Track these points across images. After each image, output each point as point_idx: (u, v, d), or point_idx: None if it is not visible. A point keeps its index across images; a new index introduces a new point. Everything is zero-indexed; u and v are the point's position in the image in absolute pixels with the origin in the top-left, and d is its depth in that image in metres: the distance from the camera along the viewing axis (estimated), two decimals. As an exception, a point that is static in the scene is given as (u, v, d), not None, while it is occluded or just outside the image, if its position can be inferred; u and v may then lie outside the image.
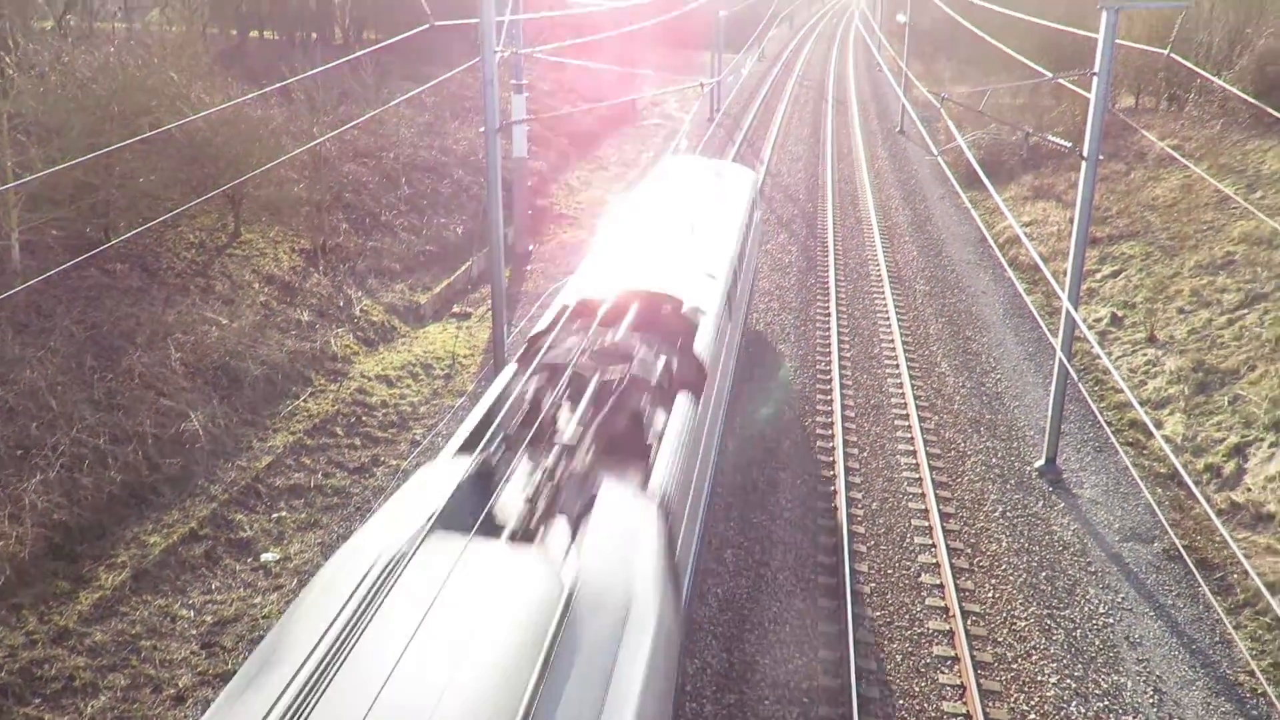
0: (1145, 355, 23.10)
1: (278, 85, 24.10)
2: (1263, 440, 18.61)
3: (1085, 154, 17.53)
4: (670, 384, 12.07)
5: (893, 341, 24.83)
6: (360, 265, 26.87)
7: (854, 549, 16.57)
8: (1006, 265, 30.08)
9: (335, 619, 6.90)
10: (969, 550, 16.85)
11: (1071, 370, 18.04)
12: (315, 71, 24.36)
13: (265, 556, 16.04)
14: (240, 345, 20.96)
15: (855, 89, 67.68)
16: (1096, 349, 14.34)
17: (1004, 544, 17.05)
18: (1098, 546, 17.07)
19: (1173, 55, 19.33)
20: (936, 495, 18.10)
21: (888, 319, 26.26)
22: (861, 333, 25.51)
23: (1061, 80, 22.15)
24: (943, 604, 15.44)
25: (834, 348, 24.09)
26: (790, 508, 17.78)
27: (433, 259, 29.32)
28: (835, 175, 41.70)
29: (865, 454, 19.67)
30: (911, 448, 19.86)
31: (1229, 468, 18.46)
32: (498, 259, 19.58)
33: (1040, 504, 18.23)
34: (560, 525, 8.67)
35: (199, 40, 33.07)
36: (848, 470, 18.86)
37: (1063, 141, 20.01)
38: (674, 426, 11.00)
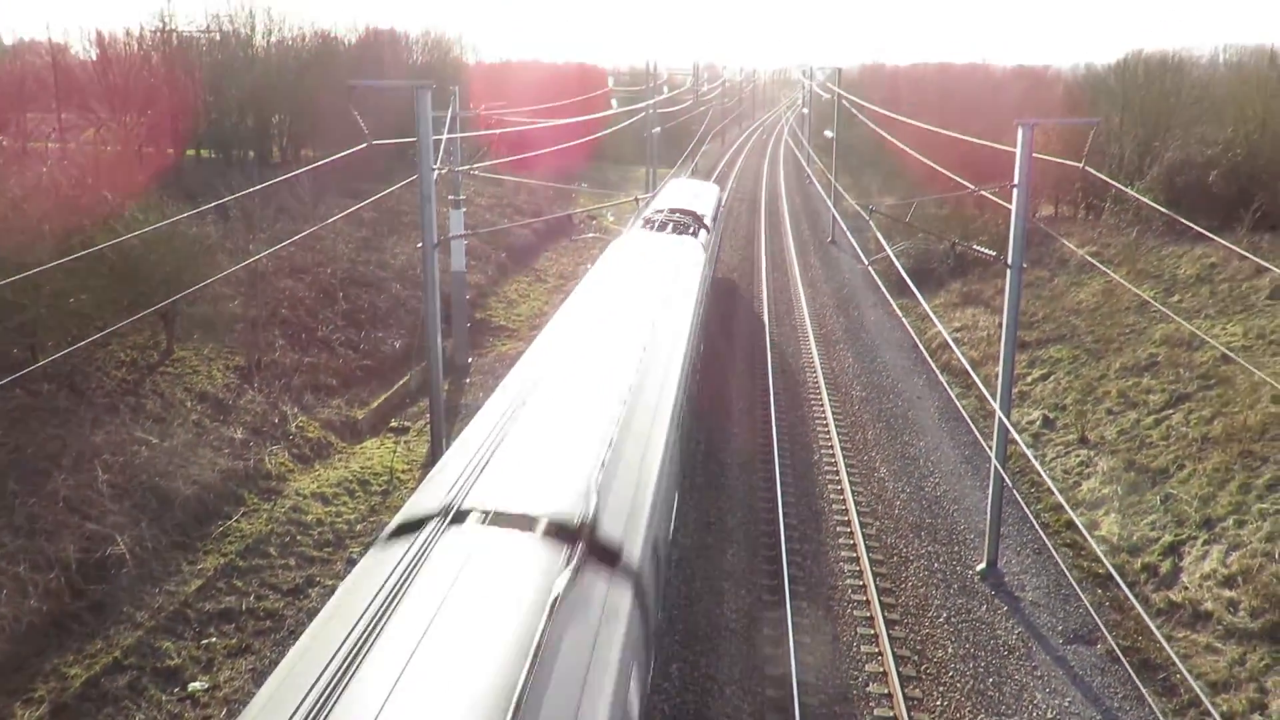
0: (1078, 456, 23.55)
1: (214, 204, 24.14)
2: (1196, 538, 18.95)
3: (1010, 262, 18.13)
4: None
5: (832, 448, 25.04)
6: (296, 381, 26.58)
7: (800, 660, 16.39)
8: (939, 371, 30.68)
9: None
10: (915, 657, 16.76)
11: (1006, 476, 18.33)
12: (252, 190, 24.47)
13: (193, 686, 15.41)
14: (171, 465, 20.48)
15: (787, 201, 69.54)
16: (1029, 454, 14.61)
17: (950, 650, 16.99)
18: (1042, 650, 17.10)
19: (1087, 168, 20.25)
20: (881, 602, 18.05)
21: (826, 426, 26.52)
22: (801, 439, 25.69)
23: (984, 192, 23.05)
24: (891, 714, 15.27)
25: (775, 455, 24.21)
26: (734, 618, 17.59)
27: (370, 373, 29.13)
28: (770, 284, 42.51)
29: (809, 561, 19.62)
30: (854, 554, 19.87)
31: (1165, 566, 18.71)
32: (436, 372, 19.53)
33: (984, 608, 18.27)
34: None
35: (134, 160, 33.13)
36: (792, 579, 18.77)
37: (987, 251, 20.70)
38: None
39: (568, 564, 9.09)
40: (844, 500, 22.16)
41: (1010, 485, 19.49)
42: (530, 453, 11.38)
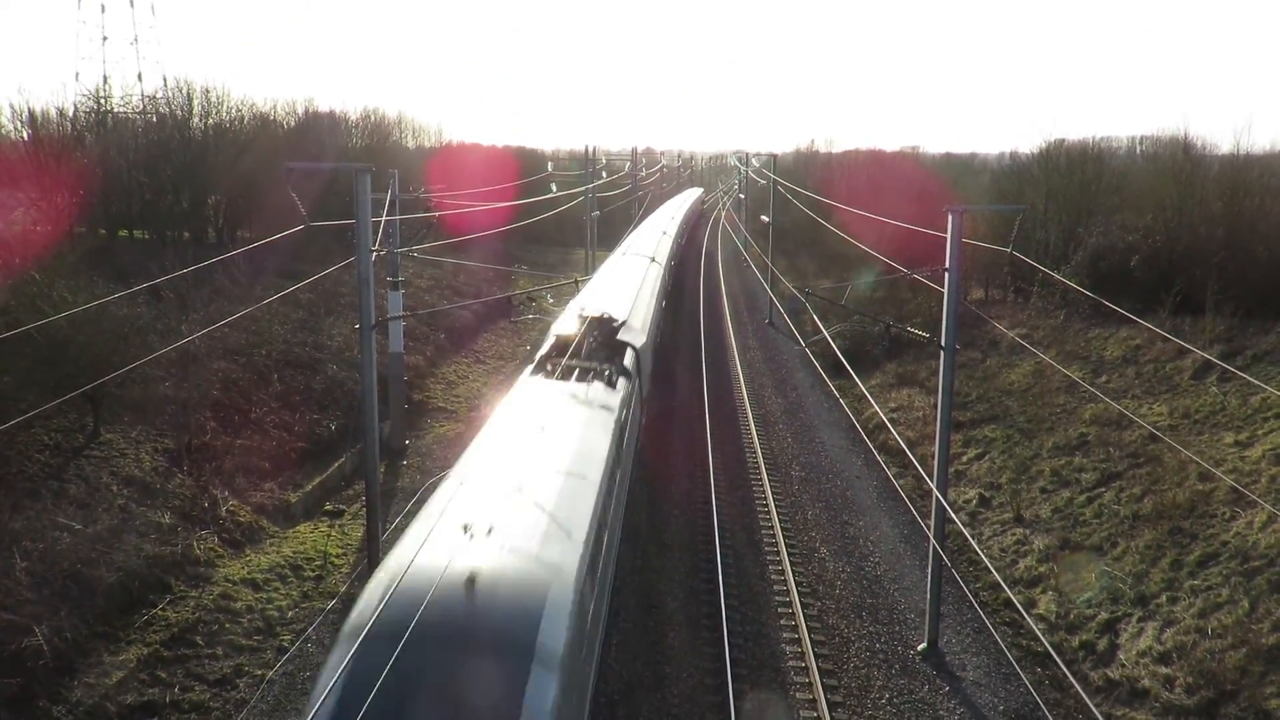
0: (1014, 534, 23.87)
1: (146, 285, 23.86)
2: (1131, 615, 19.22)
3: (943, 344, 18.55)
4: None
5: (772, 528, 25.08)
6: (228, 464, 26.05)
7: (744, 745, 16.18)
8: (876, 451, 31.03)
9: None
10: (859, 740, 16.64)
11: (944, 555, 18.50)
12: (186, 270, 24.25)
13: (112, 785, 14.74)
14: (94, 552, 19.85)
15: (725, 284, 70.48)
16: (966, 534, 14.80)
17: (893, 732, 16.92)
18: (984, 730, 17.10)
19: (1015, 253, 20.94)
20: (823, 684, 17.97)
21: (766, 506, 26.59)
22: (742, 520, 25.71)
23: (916, 276, 23.66)
24: (836, 799, 15.10)
25: (716, 536, 24.17)
26: (677, 702, 17.37)
27: (305, 456, 28.67)
28: (709, 366, 42.85)
29: (751, 643, 19.51)
30: (796, 635, 19.81)
31: (1102, 644, 18.92)
32: (372, 454, 19.30)
33: (925, 688, 18.27)
34: None
35: (65, 240, 32.69)
36: (734, 662, 18.63)
37: (921, 332, 21.18)
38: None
39: None
40: (785, 581, 22.14)
41: (949, 564, 19.66)
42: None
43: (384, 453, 29.60)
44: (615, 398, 18.64)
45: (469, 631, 9.36)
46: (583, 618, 10.84)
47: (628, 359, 22.10)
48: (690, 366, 43.00)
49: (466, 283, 55.44)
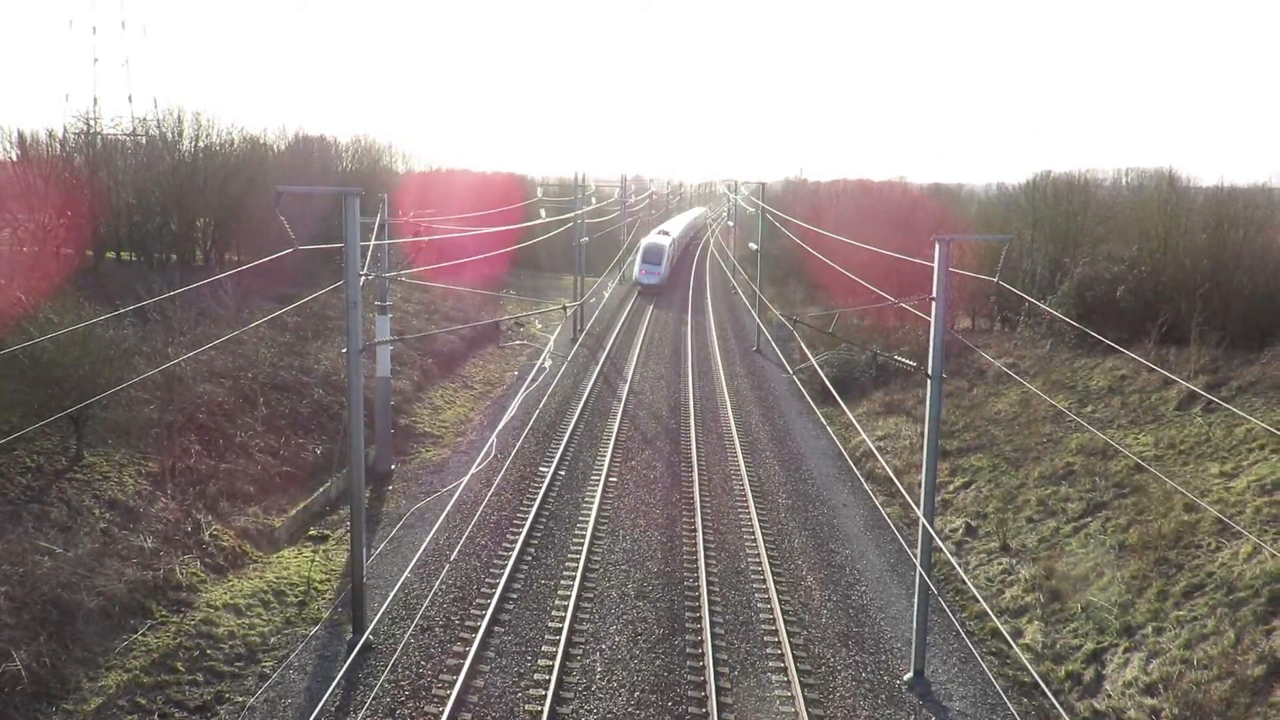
0: (1001, 564, 23.85)
1: (132, 306, 23.79)
2: (1117, 646, 19.20)
3: (930, 372, 18.60)
4: None
5: (759, 556, 25.01)
6: (212, 488, 25.90)
7: (729, 775, 16.05)
8: (863, 479, 31.03)
9: None
10: (845, 771, 16.53)
11: (931, 584, 18.46)
12: (173, 293, 24.20)
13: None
14: (75, 576, 19.68)
15: (713, 311, 70.57)
16: (953, 562, 14.78)
17: (879, 762, 16.80)
18: (970, 761, 17.00)
19: (1001, 282, 21.06)
20: (810, 714, 17.87)
21: (753, 534, 26.52)
22: (728, 548, 25.63)
23: (904, 304, 23.75)
24: (821, 830, 14.98)
25: (701, 563, 24.09)
26: (662, 733, 17.24)
27: (289, 480, 28.52)
28: (697, 392, 42.87)
29: (736, 673, 19.41)
30: (782, 664, 19.71)
31: (1088, 674, 18.89)
32: (358, 479, 19.22)
33: (911, 718, 18.18)
34: None
35: (51, 261, 32.57)
36: (719, 690, 18.52)
37: (908, 361, 21.24)
38: None
39: None
40: (771, 609, 22.06)
41: (935, 593, 19.63)
42: None
43: (369, 477, 29.48)
44: (669, 238, 79.98)
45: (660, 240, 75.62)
46: (672, 250, 78.32)
47: (672, 236, 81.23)
48: (675, 391, 43.00)
49: (455, 308, 55.41)
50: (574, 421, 36.78)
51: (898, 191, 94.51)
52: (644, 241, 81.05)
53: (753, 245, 61.52)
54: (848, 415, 21.69)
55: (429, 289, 52.90)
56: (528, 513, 27.27)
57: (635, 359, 49.92)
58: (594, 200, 72.56)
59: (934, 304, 18.34)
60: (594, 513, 27.39)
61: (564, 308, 27.52)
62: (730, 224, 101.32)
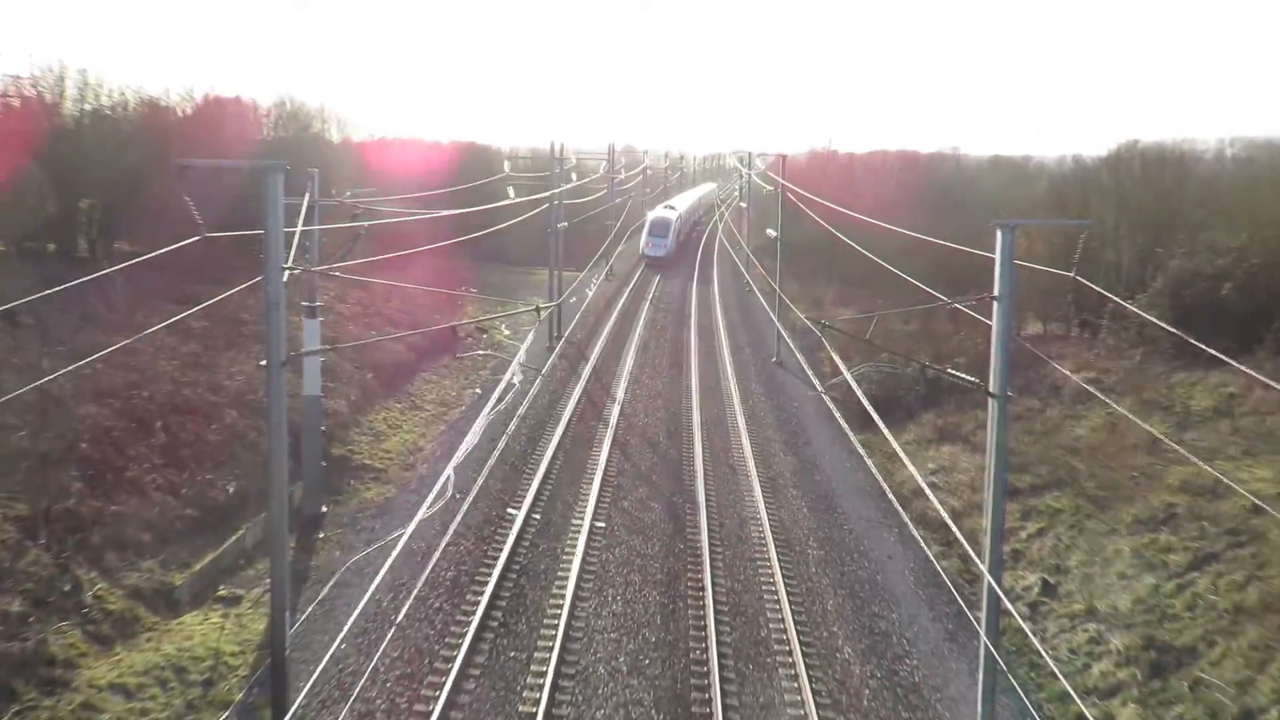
0: (1086, 631, 23.59)
1: (-2, 308, 23.40)
2: (1233, 734, 18.93)
3: (992, 389, 18.31)
4: None
5: (783, 621, 24.74)
6: (96, 536, 25.50)
7: None
8: (912, 524, 30.77)
9: None
10: None
11: (999, 657, 18.16)
12: (51, 291, 23.79)
13: None
14: (-79, 649, 19.27)
15: (722, 313, 70.50)
16: (1026, 630, 14.47)
17: None
18: None
19: (1078, 278, 20.80)
20: (849, 822, 17.55)
21: (775, 593, 26.26)
22: (744, 611, 25.36)
23: (959, 305, 23.52)
24: None
25: (710, 631, 23.81)
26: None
27: (195, 526, 28.17)
28: (703, 416, 42.60)
29: (756, 770, 19.10)
30: (814, 759, 19.41)
31: (1198, 771, 18.61)
32: (280, 525, 18.87)
33: (977, 828, 17.87)
34: None
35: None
36: (735, 793, 18.21)
37: (966, 376, 20.97)
38: None
39: None
40: (799, 691, 21.76)
41: (1004, 669, 19.31)
42: None
43: (295, 523, 29.16)
44: (675, 212, 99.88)
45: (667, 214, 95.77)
46: (679, 224, 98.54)
47: (678, 211, 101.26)
48: (675, 415, 42.76)
49: (402, 310, 55.20)
50: (551, 451, 36.51)
51: (950, 166, 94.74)
52: (650, 215, 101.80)
53: (770, 232, 61.35)
54: (891, 443, 21.37)
55: (370, 286, 52.60)
56: (493, 566, 26.98)
57: (627, 373, 49.69)
58: (574, 177, 72.48)
59: (996, 304, 18.04)
60: (576, 567, 27.10)
61: (537, 310, 27.13)
62: (743, 205, 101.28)
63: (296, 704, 19.69)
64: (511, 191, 58.84)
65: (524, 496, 32.14)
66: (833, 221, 49.52)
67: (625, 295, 75.70)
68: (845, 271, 62.77)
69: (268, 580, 20.89)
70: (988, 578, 16.86)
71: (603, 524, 30.53)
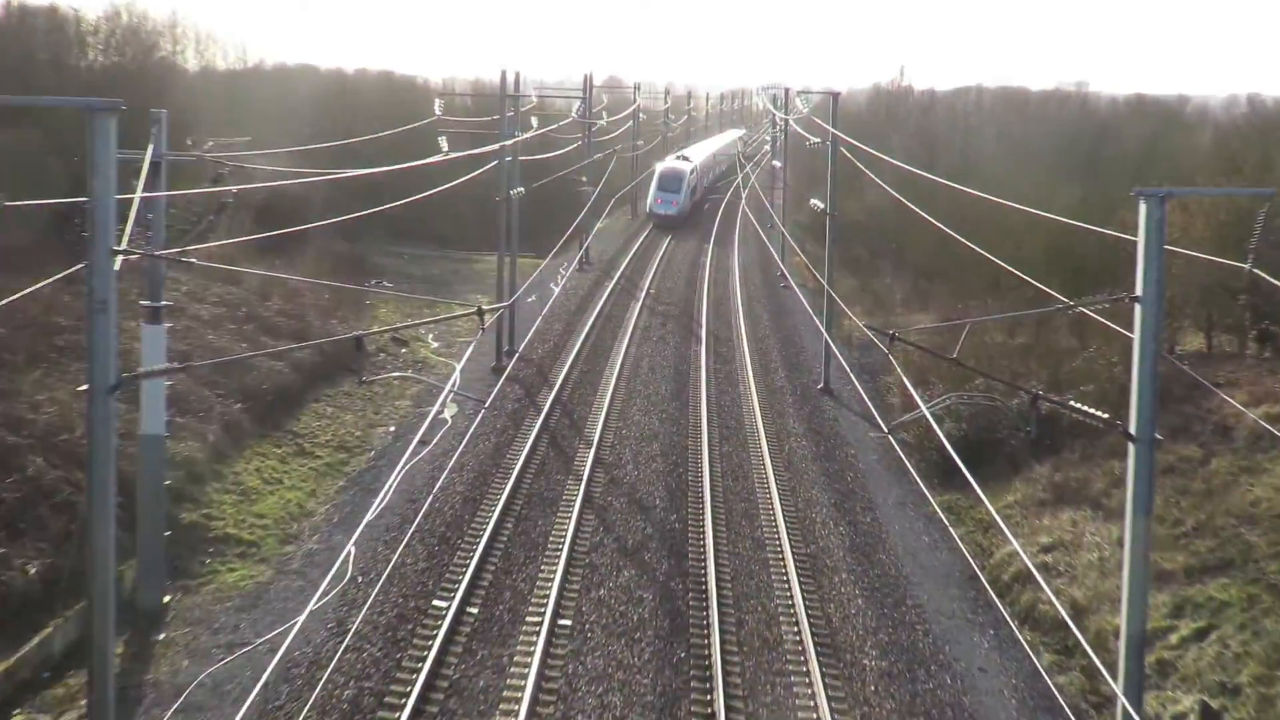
0: (1264, 780, 23.62)
1: None
2: None
3: (1133, 430, 18.38)
4: None
5: (829, 762, 24.81)
6: None
7: None
8: (1015, 623, 30.80)
9: None
10: None
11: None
12: None
13: None
14: None
15: (746, 318, 70.46)
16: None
17: None
18: None
19: (1257, 271, 20.87)
20: None
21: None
22: (773, 747, 25.42)
23: (1084, 309, 23.58)
24: None
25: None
26: None
27: (-19, 623, 28.20)
28: (718, 465, 42.64)
29: None
30: None
31: None
32: (104, 623, 18.85)
33: None
34: None
35: None
36: None
37: (1094, 411, 21.01)
38: None
39: None
40: None
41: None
42: None
43: (125, 617, 29.07)
44: (690, 164, 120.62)
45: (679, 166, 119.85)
46: (694, 179, 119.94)
47: (694, 163, 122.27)
48: (677, 467, 42.78)
49: (285, 312, 55.13)
50: (497, 516, 36.45)
51: (1073, 109, 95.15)
52: (659, 166, 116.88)
53: (816, 203, 61.36)
54: (987, 507, 21.37)
55: (240, 279, 52.59)
56: (410, 684, 27.08)
57: (609, 402, 49.72)
58: (534, 122, 72.50)
59: (1138, 308, 18.12)
60: (530, 685, 27.14)
61: (479, 313, 27.00)
62: (775, 164, 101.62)
63: None
64: (445, 143, 58.77)
65: (456, 583, 32.16)
66: (905, 189, 49.70)
67: (608, 292, 75.83)
68: (921, 260, 63.03)
69: (83, 703, 20.84)
70: (1123, 701, 16.91)
71: (568, 621, 30.55)
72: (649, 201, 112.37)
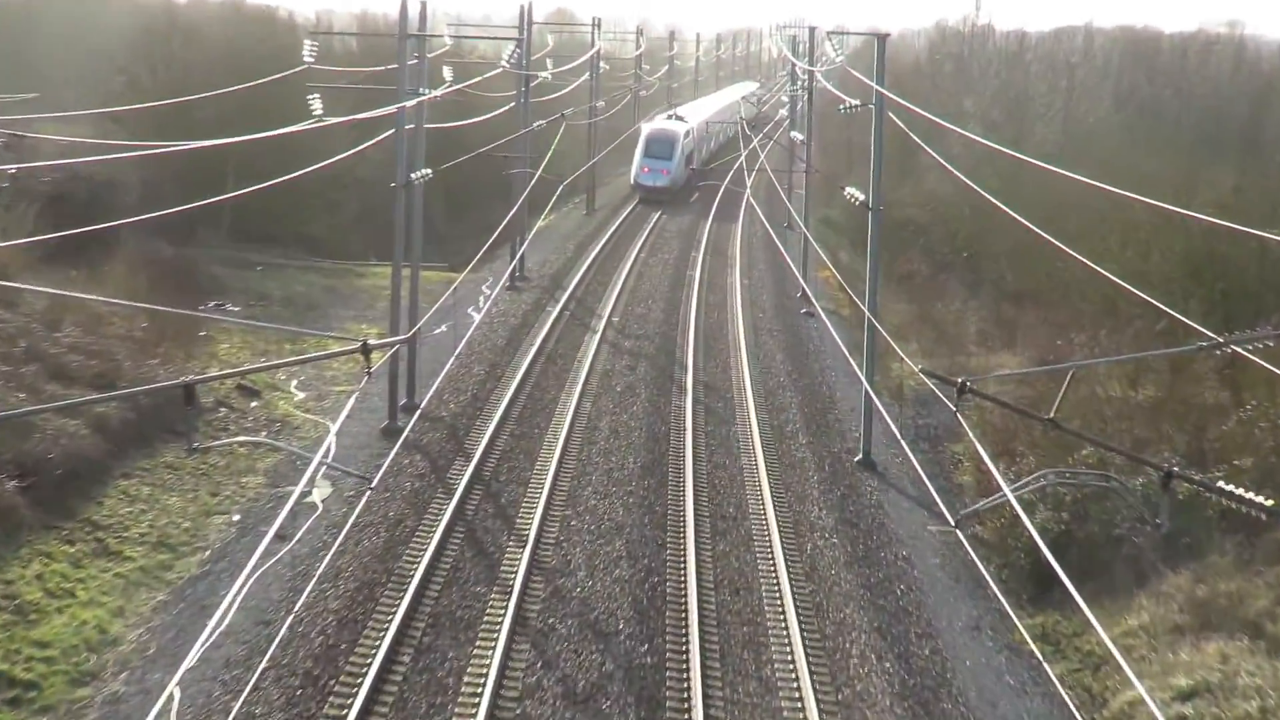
0: None
1: None
2: None
3: (1313, 527, 18.34)
4: None
5: None
6: None
7: None
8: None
9: None
10: None
11: None
12: None
13: None
14: None
15: (750, 358, 70.38)
16: None
17: None
18: None
19: None
20: None
21: None
22: None
23: (1240, 349, 23.53)
24: None
25: None
26: None
27: None
28: (709, 573, 42.50)
29: None
30: None
31: None
32: None
33: None
34: None
35: None
36: None
37: (1252, 496, 20.93)
38: None
39: None
40: None
41: None
42: None
43: None
44: (684, 125, 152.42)
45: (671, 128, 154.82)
46: (689, 143, 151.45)
47: (689, 125, 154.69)
48: (652, 572, 42.66)
49: (82, 346, 54.96)
50: (385, 647, 36.21)
51: (1224, 60, 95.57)
52: (646, 127, 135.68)
53: (854, 193, 61.02)
54: (1098, 634, 21.23)
55: (16, 298, 52.47)
56: None
57: (551, 480, 49.47)
58: (447, 73, 72.66)
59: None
60: None
61: (364, 350, 26.85)
62: (795, 136, 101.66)
63: None
64: (317, 104, 58.74)
65: (329, 740, 32.03)
66: (981, 173, 49.72)
67: (551, 320, 75.84)
68: (1005, 275, 63.10)
69: None
70: None
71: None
72: (634, 171, 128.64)
